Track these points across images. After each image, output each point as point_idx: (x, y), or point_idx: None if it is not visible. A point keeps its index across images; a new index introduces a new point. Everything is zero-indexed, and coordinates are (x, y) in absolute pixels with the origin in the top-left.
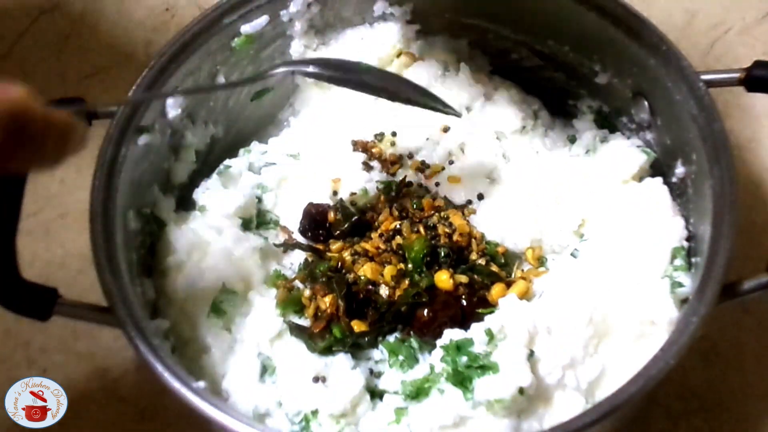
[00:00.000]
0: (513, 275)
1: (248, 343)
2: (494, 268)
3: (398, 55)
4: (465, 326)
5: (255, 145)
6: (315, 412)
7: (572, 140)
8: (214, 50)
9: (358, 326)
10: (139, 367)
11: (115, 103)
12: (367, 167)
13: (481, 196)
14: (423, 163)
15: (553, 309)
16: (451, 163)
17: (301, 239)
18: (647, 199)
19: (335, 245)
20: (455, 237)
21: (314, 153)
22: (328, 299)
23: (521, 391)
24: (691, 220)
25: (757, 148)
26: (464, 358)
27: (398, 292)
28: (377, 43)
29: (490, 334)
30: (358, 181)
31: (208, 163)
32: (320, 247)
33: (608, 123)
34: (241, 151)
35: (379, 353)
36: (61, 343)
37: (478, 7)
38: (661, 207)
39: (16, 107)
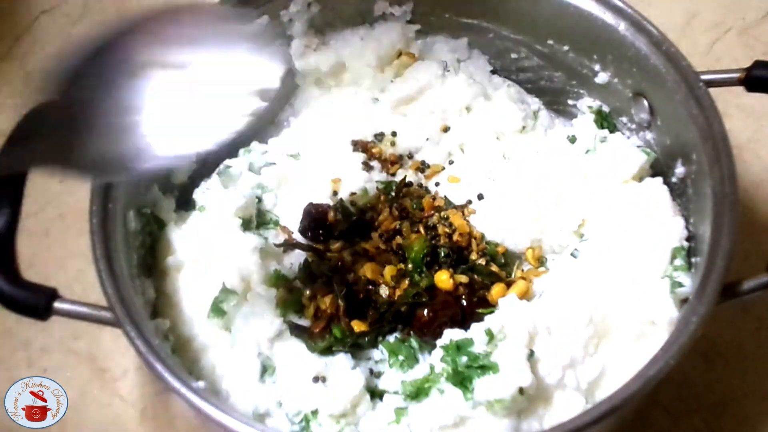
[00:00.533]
0: (513, 275)
1: (248, 343)
2: (494, 268)
3: (398, 55)
4: (465, 326)
5: (255, 145)
6: (315, 412)
7: (572, 140)
8: None
9: (358, 326)
10: (139, 367)
11: None
12: (367, 167)
13: (481, 196)
14: (423, 163)
15: (553, 309)
16: (451, 163)
17: (301, 239)
18: (647, 199)
19: (335, 245)
20: (455, 237)
21: (314, 153)
22: (328, 299)
23: (521, 391)
24: (691, 220)
25: (757, 148)
26: (464, 358)
27: (398, 292)
28: (377, 43)
29: (490, 334)
30: (358, 181)
31: (208, 163)
32: (320, 247)
33: (608, 123)
34: (241, 151)
35: (379, 353)
36: (61, 343)
37: (478, 7)
38: (661, 207)
39: None
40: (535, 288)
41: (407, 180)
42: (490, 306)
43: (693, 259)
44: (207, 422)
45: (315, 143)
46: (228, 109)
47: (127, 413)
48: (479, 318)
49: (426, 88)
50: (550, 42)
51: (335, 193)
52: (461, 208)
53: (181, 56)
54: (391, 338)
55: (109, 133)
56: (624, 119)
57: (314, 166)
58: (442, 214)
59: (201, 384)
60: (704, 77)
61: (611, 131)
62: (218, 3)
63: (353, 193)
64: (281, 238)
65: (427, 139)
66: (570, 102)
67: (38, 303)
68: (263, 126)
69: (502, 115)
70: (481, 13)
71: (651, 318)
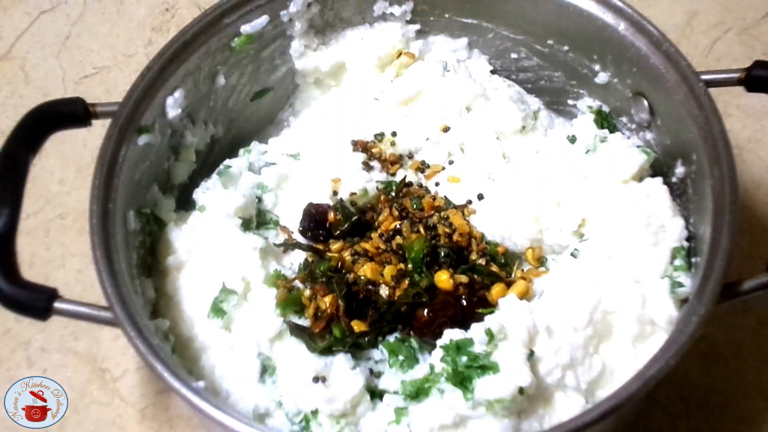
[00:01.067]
0: (513, 275)
1: (248, 343)
2: (494, 268)
3: (398, 55)
4: (465, 326)
5: (255, 145)
6: (315, 412)
7: (572, 140)
8: (214, 50)
9: (358, 326)
10: (139, 367)
11: (115, 103)
12: (367, 167)
13: (481, 196)
14: (423, 163)
15: (553, 309)
16: (451, 163)
17: (301, 239)
18: (647, 199)
19: (335, 245)
20: (455, 237)
21: (314, 153)
22: (328, 299)
23: (521, 391)
24: (691, 220)
25: (757, 148)
26: (464, 358)
27: (398, 292)
28: (377, 43)
29: (490, 334)
30: (358, 181)
31: (208, 163)
32: (320, 247)
33: (608, 123)
34: (241, 151)
35: (379, 353)
36: (61, 343)
37: (478, 7)
38: (661, 207)
39: None
40: (535, 288)
41: (407, 180)
42: (490, 306)
43: (693, 259)
44: (207, 422)
45: (315, 143)
46: None
47: (127, 413)
48: (479, 318)
49: (426, 88)
50: (550, 42)
51: (335, 193)
52: (461, 208)
53: None
54: (391, 338)
55: None
56: (624, 119)
57: (314, 166)
58: (442, 214)
59: (201, 384)
60: (704, 77)
61: (611, 131)
62: (217, 2)
63: (353, 193)
64: (281, 238)
65: (427, 139)
66: (570, 102)
67: (38, 303)
68: (263, 126)
69: (502, 115)
70: (481, 13)
71: (651, 318)
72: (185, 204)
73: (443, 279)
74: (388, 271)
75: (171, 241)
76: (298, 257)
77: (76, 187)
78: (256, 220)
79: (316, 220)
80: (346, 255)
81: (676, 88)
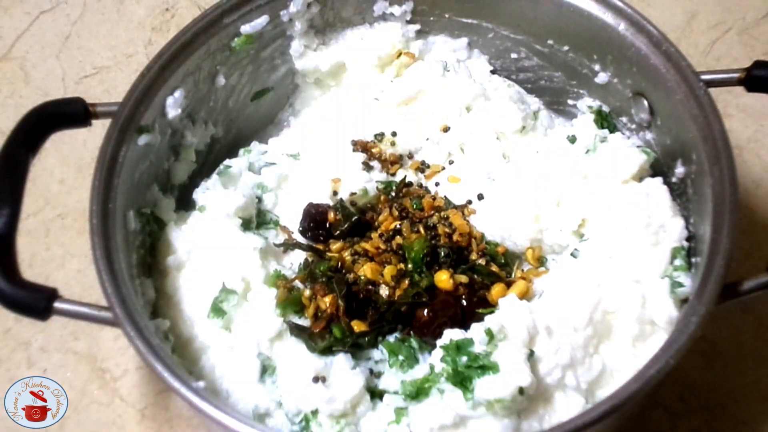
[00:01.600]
0: (513, 275)
1: (248, 343)
2: (494, 268)
3: (398, 55)
4: (465, 326)
5: (255, 145)
6: (315, 412)
7: (572, 140)
8: (214, 50)
9: (358, 326)
10: (139, 367)
11: (115, 103)
12: (367, 167)
13: (481, 196)
14: (423, 163)
15: (553, 309)
16: (451, 163)
17: (301, 239)
18: (647, 199)
19: (335, 245)
20: (455, 237)
21: (314, 153)
22: (328, 299)
23: (521, 391)
24: (691, 220)
25: (757, 148)
26: (464, 358)
27: (398, 292)
28: (377, 43)
29: (490, 334)
30: (358, 181)
31: (208, 163)
32: (320, 247)
33: (608, 123)
34: (241, 151)
35: (379, 353)
36: (61, 343)
37: (478, 7)
38: (661, 207)
39: None
40: (535, 288)
41: (407, 180)
42: (490, 306)
43: (693, 259)
44: (207, 422)
45: (315, 143)
46: None
47: (127, 413)
48: (479, 318)
49: (426, 88)
50: (550, 42)
51: (335, 193)
52: (461, 208)
53: None
54: (391, 338)
55: None
56: (624, 119)
57: (314, 166)
58: (442, 214)
59: (201, 384)
60: (704, 77)
61: (611, 131)
62: (217, 2)
63: (353, 193)
64: (281, 238)
65: (427, 139)
66: (570, 102)
67: (38, 303)
68: (263, 126)
69: (502, 115)
70: (481, 13)
71: (651, 318)
72: (185, 204)
73: (443, 279)
74: (388, 271)
75: (171, 241)
76: (298, 257)
77: (76, 187)
78: (256, 220)
79: (316, 220)
80: (346, 255)
81: (676, 88)
